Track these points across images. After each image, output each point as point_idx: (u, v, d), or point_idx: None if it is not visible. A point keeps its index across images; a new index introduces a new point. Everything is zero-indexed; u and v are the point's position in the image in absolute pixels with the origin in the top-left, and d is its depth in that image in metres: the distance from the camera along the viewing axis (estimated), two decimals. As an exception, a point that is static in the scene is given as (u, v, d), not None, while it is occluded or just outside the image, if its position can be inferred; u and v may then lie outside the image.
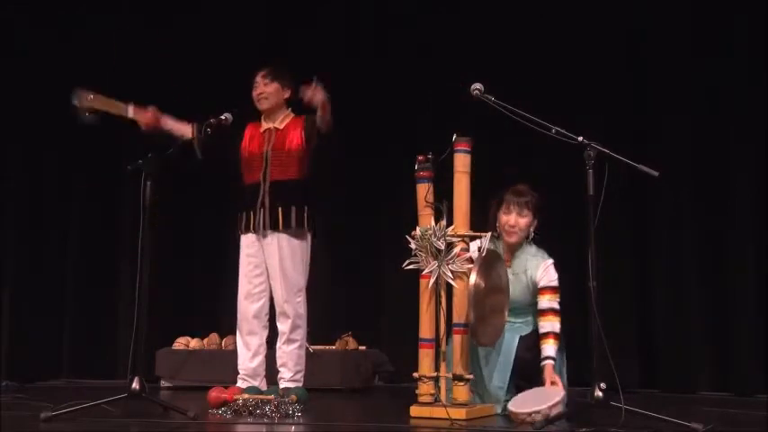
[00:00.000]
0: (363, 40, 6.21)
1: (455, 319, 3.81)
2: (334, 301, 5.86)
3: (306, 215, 4.32)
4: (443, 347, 3.84)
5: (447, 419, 3.58)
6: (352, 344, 5.70)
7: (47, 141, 6.14)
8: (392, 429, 3.73)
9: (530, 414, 3.58)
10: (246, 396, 4.02)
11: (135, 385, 3.76)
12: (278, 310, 4.35)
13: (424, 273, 3.84)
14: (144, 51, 6.10)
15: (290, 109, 4.48)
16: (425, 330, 3.84)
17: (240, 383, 4.33)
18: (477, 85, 3.82)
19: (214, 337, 5.81)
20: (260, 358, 4.39)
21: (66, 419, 3.60)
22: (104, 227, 6.25)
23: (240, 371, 4.38)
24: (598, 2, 5.65)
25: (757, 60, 5.26)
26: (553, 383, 3.86)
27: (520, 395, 3.80)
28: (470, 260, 3.80)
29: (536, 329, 4.08)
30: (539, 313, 4.05)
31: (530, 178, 4.28)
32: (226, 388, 4.15)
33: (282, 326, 4.34)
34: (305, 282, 4.38)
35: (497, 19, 5.82)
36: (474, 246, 3.89)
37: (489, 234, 3.83)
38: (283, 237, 4.30)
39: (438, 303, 3.83)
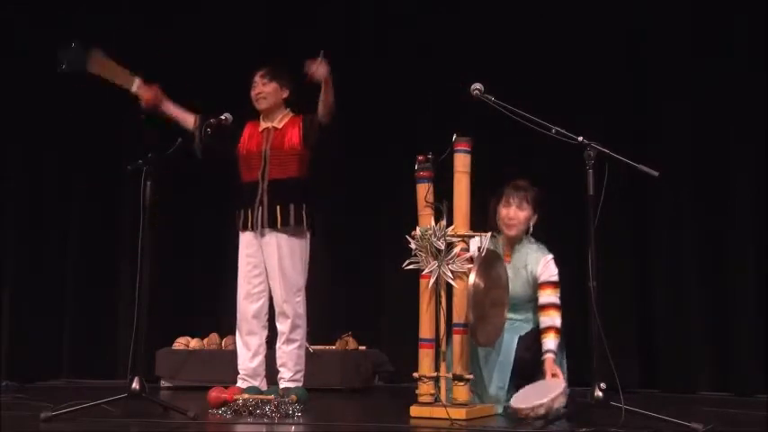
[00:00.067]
0: (363, 40, 6.20)
1: (455, 320, 3.81)
2: (334, 301, 5.86)
3: (304, 213, 4.32)
4: (443, 348, 3.84)
5: (447, 419, 3.58)
6: (352, 344, 5.70)
7: (47, 141, 6.14)
8: (392, 429, 3.73)
9: (533, 408, 3.58)
10: (246, 396, 4.02)
11: (135, 385, 3.76)
12: (277, 310, 4.35)
13: (424, 273, 3.84)
14: (144, 51, 6.09)
15: (288, 108, 4.48)
16: (425, 330, 3.84)
17: (240, 383, 4.33)
18: (477, 85, 3.83)
19: (214, 337, 5.81)
20: (260, 358, 4.39)
21: (66, 419, 3.60)
22: (104, 227, 6.25)
23: (240, 371, 4.38)
24: (598, 2, 5.65)
25: (757, 60, 5.26)
26: (554, 376, 3.87)
27: (521, 390, 3.80)
28: (470, 260, 3.80)
29: (535, 329, 4.09)
30: (539, 308, 4.07)
31: (530, 178, 4.27)
32: (226, 388, 4.15)
33: (282, 326, 4.33)
34: (304, 281, 4.37)
35: (497, 19, 5.82)
36: (474, 244, 3.89)
37: (489, 234, 3.83)
38: (282, 236, 4.30)
39: (438, 303, 3.83)
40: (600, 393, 3.43)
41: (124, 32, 6.13)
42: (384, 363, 5.82)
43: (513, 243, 4.17)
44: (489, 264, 3.80)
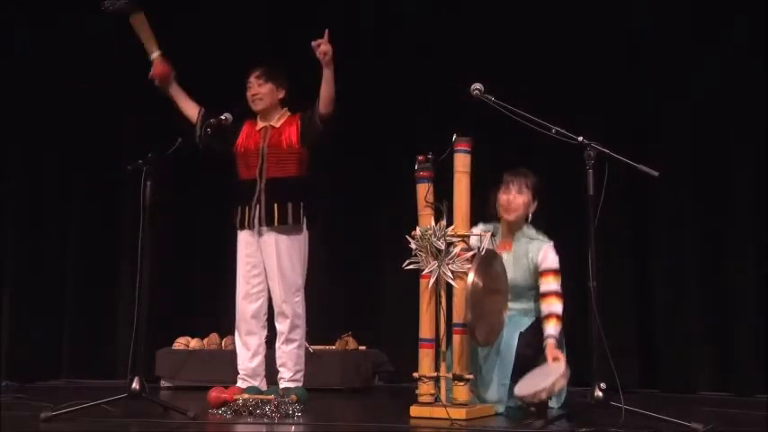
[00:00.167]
0: (363, 40, 6.20)
1: (455, 320, 3.81)
2: (334, 301, 5.86)
3: (303, 212, 4.32)
4: (443, 348, 3.84)
5: (447, 419, 3.58)
6: (352, 344, 5.70)
7: (47, 141, 6.14)
8: (392, 429, 3.73)
9: (534, 394, 3.61)
10: (246, 396, 4.02)
11: (135, 385, 3.76)
12: (276, 310, 4.34)
13: (424, 273, 3.84)
14: (144, 51, 6.09)
15: (285, 108, 4.47)
16: (425, 330, 3.84)
17: (240, 383, 4.33)
18: (477, 85, 3.83)
19: (214, 337, 5.81)
20: (259, 358, 4.39)
21: (66, 419, 3.60)
22: (104, 227, 6.24)
23: (240, 371, 4.38)
24: (598, 2, 5.65)
25: (757, 60, 5.26)
26: (555, 360, 3.87)
27: (524, 378, 3.81)
28: (470, 260, 3.80)
29: (535, 323, 4.09)
30: (540, 296, 4.09)
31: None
32: (226, 388, 4.15)
33: (281, 326, 4.33)
34: (303, 281, 4.37)
35: (497, 19, 5.82)
36: (474, 231, 3.90)
37: (489, 234, 3.83)
38: (281, 236, 4.30)
39: (438, 303, 3.83)
40: (600, 393, 3.43)
41: (124, 32, 6.12)
42: (384, 363, 5.82)
43: (513, 231, 4.19)
44: (488, 263, 3.80)
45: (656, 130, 5.54)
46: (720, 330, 5.27)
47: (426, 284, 3.84)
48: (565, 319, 4.06)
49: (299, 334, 4.36)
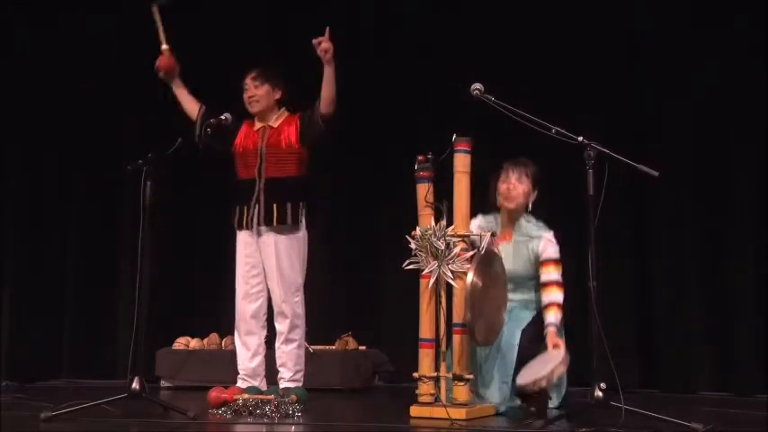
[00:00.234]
0: (363, 40, 6.20)
1: (455, 320, 3.81)
2: (334, 301, 5.86)
3: (302, 212, 4.32)
4: (443, 348, 3.84)
5: (447, 419, 3.58)
6: (352, 344, 5.70)
7: (47, 141, 6.14)
8: (392, 429, 3.73)
9: (534, 382, 3.62)
10: (246, 396, 4.02)
11: (135, 385, 3.77)
12: (276, 310, 4.34)
13: (424, 273, 3.84)
14: (144, 51, 6.09)
15: (283, 108, 4.46)
16: (425, 330, 3.84)
17: (240, 383, 4.33)
18: (477, 85, 3.83)
19: (214, 337, 5.81)
20: (259, 358, 4.39)
21: (66, 419, 3.60)
22: (104, 227, 6.24)
23: (240, 371, 4.38)
24: (598, 2, 5.65)
25: (757, 60, 5.26)
26: (555, 347, 3.87)
27: (525, 368, 3.81)
28: (470, 260, 3.80)
29: (536, 319, 4.09)
30: (541, 286, 4.09)
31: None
32: (226, 388, 4.15)
33: (280, 326, 4.33)
34: (302, 280, 4.37)
35: (497, 19, 5.82)
36: (474, 223, 3.93)
37: (489, 234, 3.83)
38: (280, 236, 4.29)
39: (438, 303, 3.83)
40: (600, 393, 3.43)
41: (124, 32, 6.13)
42: (384, 363, 5.82)
43: (513, 220, 4.19)
44: (488, 263, 3.80)
45: (656, 130, 5.54)
46: (720, 330, 5.27)
47: (426, 284, 3.84)
48: (565, 308, 4.05)
49: (299, 334, 4.36)
